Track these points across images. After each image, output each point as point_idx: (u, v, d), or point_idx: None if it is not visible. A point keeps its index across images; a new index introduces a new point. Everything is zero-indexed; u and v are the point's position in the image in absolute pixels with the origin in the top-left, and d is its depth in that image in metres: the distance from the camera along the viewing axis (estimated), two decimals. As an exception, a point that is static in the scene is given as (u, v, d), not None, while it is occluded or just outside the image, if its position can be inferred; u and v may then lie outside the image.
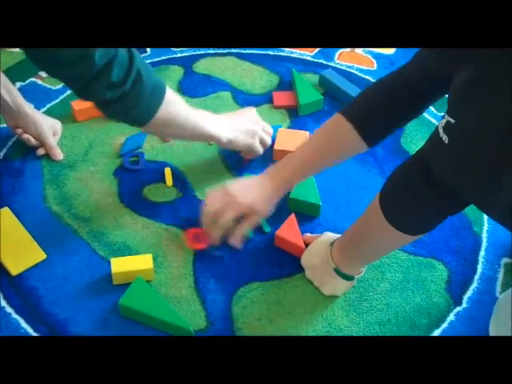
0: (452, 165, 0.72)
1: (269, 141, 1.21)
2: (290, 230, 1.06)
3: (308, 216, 1.12)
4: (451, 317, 0.99)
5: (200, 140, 1.17)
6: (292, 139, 1.23)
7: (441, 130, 0.71)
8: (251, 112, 1.21)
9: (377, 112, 0.93)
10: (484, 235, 1.11)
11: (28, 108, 1.19)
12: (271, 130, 1.23)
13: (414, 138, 1.30)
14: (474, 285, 1.03)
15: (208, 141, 1.18)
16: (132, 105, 0.92)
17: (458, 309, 1.00)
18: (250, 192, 0.99)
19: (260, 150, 1.20)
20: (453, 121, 0.69)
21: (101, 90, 0.88)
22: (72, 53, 0.82)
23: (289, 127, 1.31)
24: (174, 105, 1.00)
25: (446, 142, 0.70)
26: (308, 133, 1.28)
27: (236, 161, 1.23)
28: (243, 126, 1.15)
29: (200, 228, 1.03)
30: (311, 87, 1.40)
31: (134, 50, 0.90)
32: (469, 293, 1.02)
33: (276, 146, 1.23)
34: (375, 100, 0.93)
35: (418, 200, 0.80)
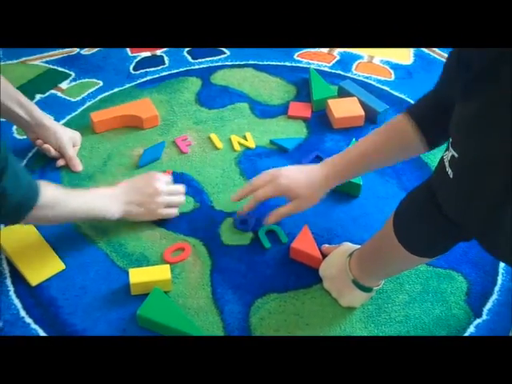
0: (456, 200, 0.72)
1: (180, 200, 1.13)
2: (304, 242, 1.06)
3: (324, 227, 1.12)
4: (471, 329, 0.97)
5: (92, 220, 1.09)
6: (344, 106, 1.34)
7: (447, 164, 0.71)
8: (153, 181, 1.10)
9: (435, 116, 0.92)
10: (504, 246, 1.09)
11: (47, 120, 1.21)
12: (181, 189, 1.14)
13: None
14: (494, 296, 1.02)
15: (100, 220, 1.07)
16: None
17: (478, 321, 0.99)
18: (296, 176, 1.03)
19: (170, 213, 1.12)
20: (456, 155, 0.69)
21: None
22: None
23: (306, 138, 1.31)
24: (50, 209, 0.96)
25: (451, 176, 0.70)
26: (356, 98, 1.36)
27: (253, 171, 1.23)
28: (139, 198, 1.08)
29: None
30: (326, 84, 1.42)
31: (10, 167, 0.87)
32: (489, 304, 1.01)
33: (336, 115, 1.32)
34: (431, 106, 0.94)
35: (429, 227, 0.80)
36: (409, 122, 0.94)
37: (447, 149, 0.72)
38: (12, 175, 0.88)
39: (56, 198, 0.97)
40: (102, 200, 1.05)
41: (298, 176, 1.03)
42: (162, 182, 1.11)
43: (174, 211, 1.13)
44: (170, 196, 1.12)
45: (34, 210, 0.92)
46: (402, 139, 0.96)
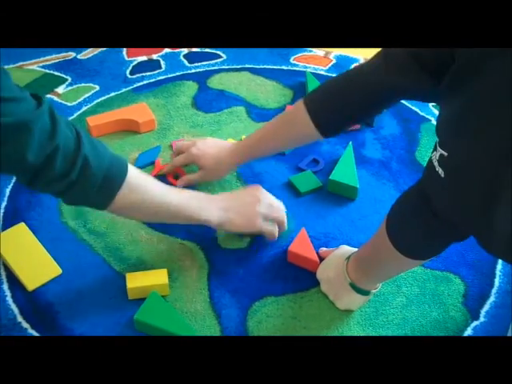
0: (450, 198, 0.72)
1: (281, 216, 1.08)
2: (302, 245, 1.06)
3: (322, 230, 1.12)
4: (468, 331, 0.97)
5: (185, 222, 1.01)
6: None
7: (436, 164, 0.71)
8: (254, 191, 1.07)
9: (333, 104, 0.97)
10: (501, 248, 1.09)
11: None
12: (282, 206, 1.09)
13: (428, 151, 1.29)
14: (492, 299, 1.02)
15: (195, 223, 1.01)
16: (83, 192, 0.86)
17: (476, 323, 0.99)
18: (206, 149, 1.15)
19: (273, 232, 1.06)
20: (446, 154, 0.69)
21: (44, 185, 0.83)
22: (2, 156, 0.77)
23: (303, 141, 1.31)
24: (140, 189, 0.91)
25: (443, 175, 0.70)
26: None
27: (250, 175, 1.23)
28: (237, 206, 1.03)
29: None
30: None
31: (84, 136, 0.84)
32: (486, 307, 1.01)
33: None
34: (333, 93, 0.97)
35: (423, 229, 0.80)
36: (304, 110, 0.99)
37: (434, 149, 0.72)
38: (88, 143, 0.84)
39: (145, 183, 0.92)
40: (199, 201, 1.00)
41: (209, 149, 1.16)
42: (265, 194, 1.07)
43: (275, 229, 1.06)
44: (270, 212, 1.06)
45: (122, 190, 0.87)
46: (296, 125, 1.03)
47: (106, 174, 0.86)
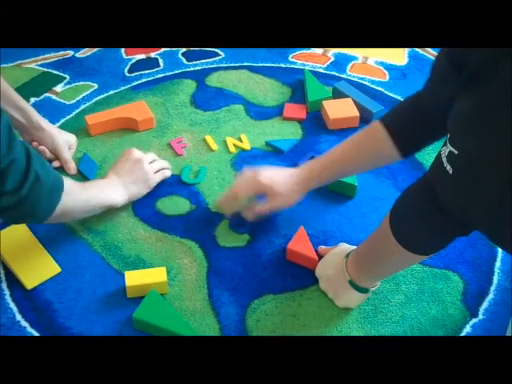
0: (457, 195, 0.72)
1: (164, 164, 1.21)
2: (301, 243, 1.06)
3: (320, 228, 1.12)
4: (467, 328, 0.98)
5: (101, 211, 1.09)
6: (339, 107, 1.35)
7: (444, 159, 0.71)
8: (131, 156, 1.15)
9: (411, 125, 0.95)
10: (500, 246, 1.10)
11: (44, 123, 1.20)
12: (156, 156, 1.20)
13: (427, 149, 1.28)
14: (490, 296, 1.02)
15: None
16: (29, 208, 0.89)
17: (474, 320, 0.99)
18: (275, 176, 1.05)
19: (166, 175, 1.20)
20: (456, 151, 0.69)
21: None
22: None
23: (301, 140, 1.31)
24: (72, 195, 0.97)
25: (451, 172, 0.70)
26: (351, 99, 1.36)
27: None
28: (130, 177, 1.13)
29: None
30: (321, 85, 1.42)
31: (32, 151, 0.87)
32: (485, 304, 1.01)
33: (331, 116, 1.32)
34: (409, 113, 0.95)
35: (427, 223, 0.80)
36: (383, 130, 0.96)
37: (444, 144, 0.72)
38: (38, 160, 0.87)
39: (72, 186, 0.98)
40: (106, 189, 1.08)
41: (277, 176, 1.05)
42: (138, 153, 1.16)
43: (167, 172, 1.20)
44: (153, 163, 1.17)
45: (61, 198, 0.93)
46: (375, 147, 0.99)
47: (52, 186, 0.91)
